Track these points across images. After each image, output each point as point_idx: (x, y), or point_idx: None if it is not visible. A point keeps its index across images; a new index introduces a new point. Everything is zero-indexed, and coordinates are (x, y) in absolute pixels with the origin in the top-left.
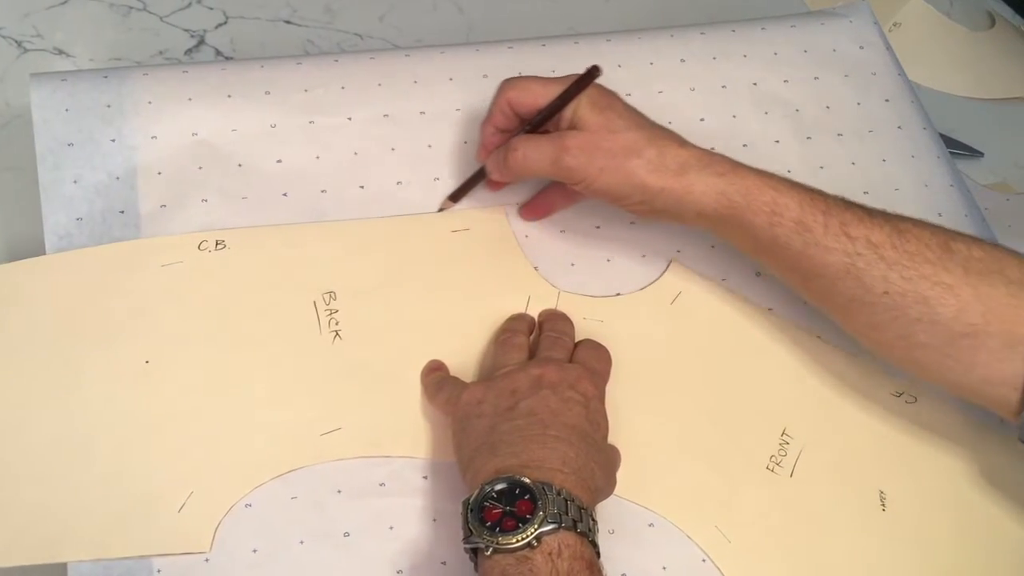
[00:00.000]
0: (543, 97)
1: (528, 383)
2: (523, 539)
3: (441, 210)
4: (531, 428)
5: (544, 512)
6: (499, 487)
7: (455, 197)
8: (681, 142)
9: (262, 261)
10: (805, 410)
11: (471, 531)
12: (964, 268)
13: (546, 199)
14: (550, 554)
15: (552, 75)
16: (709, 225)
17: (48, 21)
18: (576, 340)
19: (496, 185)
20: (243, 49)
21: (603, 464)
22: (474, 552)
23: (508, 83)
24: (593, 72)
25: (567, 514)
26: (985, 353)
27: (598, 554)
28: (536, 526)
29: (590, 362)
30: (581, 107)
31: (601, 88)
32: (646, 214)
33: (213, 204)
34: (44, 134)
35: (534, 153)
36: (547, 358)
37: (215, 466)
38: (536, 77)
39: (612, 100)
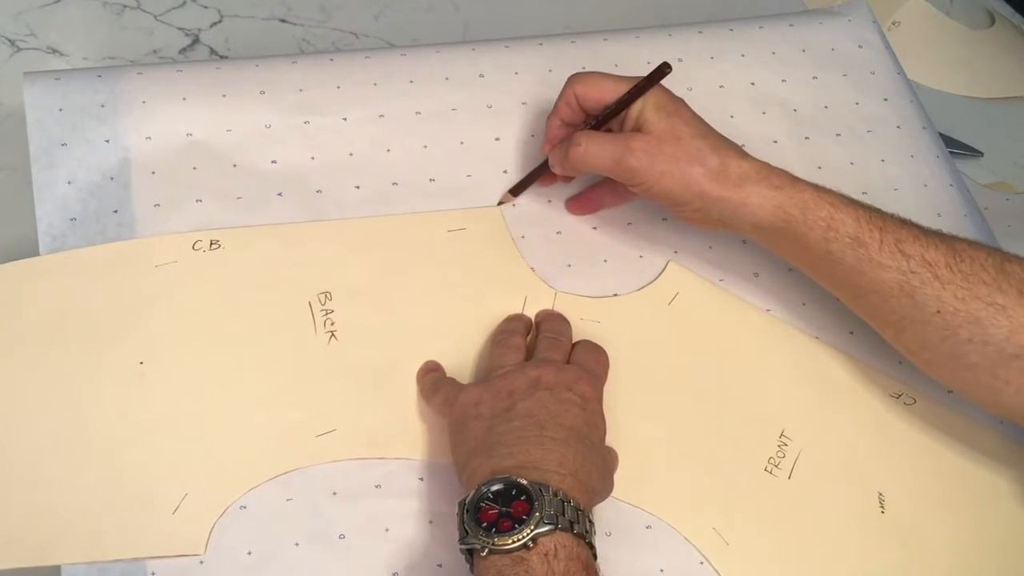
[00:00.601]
0: (611, 93)
1: (525, 384)
2: (519, 540)
3: (501, 203)
4: (528, 429)
5: (540, 513)
6: (495, 488)
7: (516, 191)
8: (743, 154)
9: (257, 261)
10: (803, 411)
11: (467, 532)
12: (1019, 290)
13: (596, 195)
14: (546, 555)
15: (549, 74)
16: (764, 237)
17: (41, 20)
18: (573, 341)
19: (552, 179)
20: (238, 48)
21: (600, 466)
22: (470, 553)
23: (576, 77)
24: (663, 69)
25: (563, 515)
26: None
27: (595, 556)
28: (532, 527)
29: (588, 363)
30: (648, 109)
31: (669, 92)
32: (701, 223)
33: (207, 204)
34: (38, 134)
35: (597, 149)
36: (544, 359)
37: (210, 468)
38: (605, 73)
39: (679, 106)
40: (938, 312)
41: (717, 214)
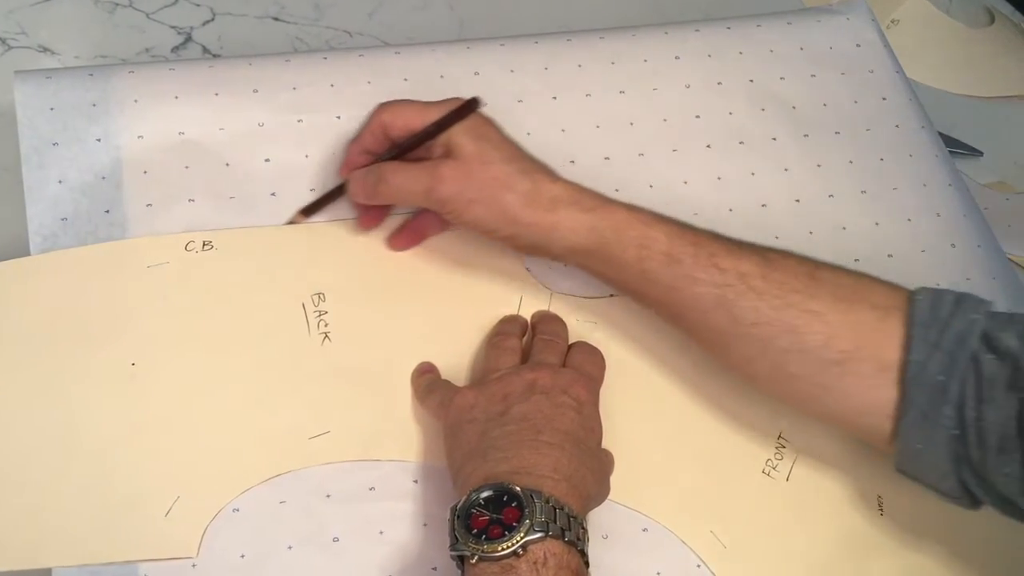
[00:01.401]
0: (418, 122)
1: (521, 388)
2: (509, 547)
3: (291, 223)
4: (523, 433)
5: (531, 520)
6: (486, 494)
7: (308, 211)
8: (553, 177)
9: (250, 262)
10: (802, 413)
11: (457, 538)
12: (832, 295)
13: (418, 227)
14: (535, 563)
15: (545, 72)
16: (579, 260)
17: (33, 18)
18: (570, 342)
19: (367, 217)
20: (231, 47)
21: (596, 470)
22: (460, 560)
23: (384, 106)
24: (472, 104)
25: (555, 522)
26: (856, 380)
27: (587, 563)
28: (522, 534)
29: (584, 366)
30: (456, 134)
31: (479, 116)
32: (516, 248)
33: (200, 204)
34: (28, 133)
35: (407, 183)
36: (540, 362)
37: (202, 470)
38: (413, 101)
39: (488, 129)
40: (756, 323)
41: (530, 239)
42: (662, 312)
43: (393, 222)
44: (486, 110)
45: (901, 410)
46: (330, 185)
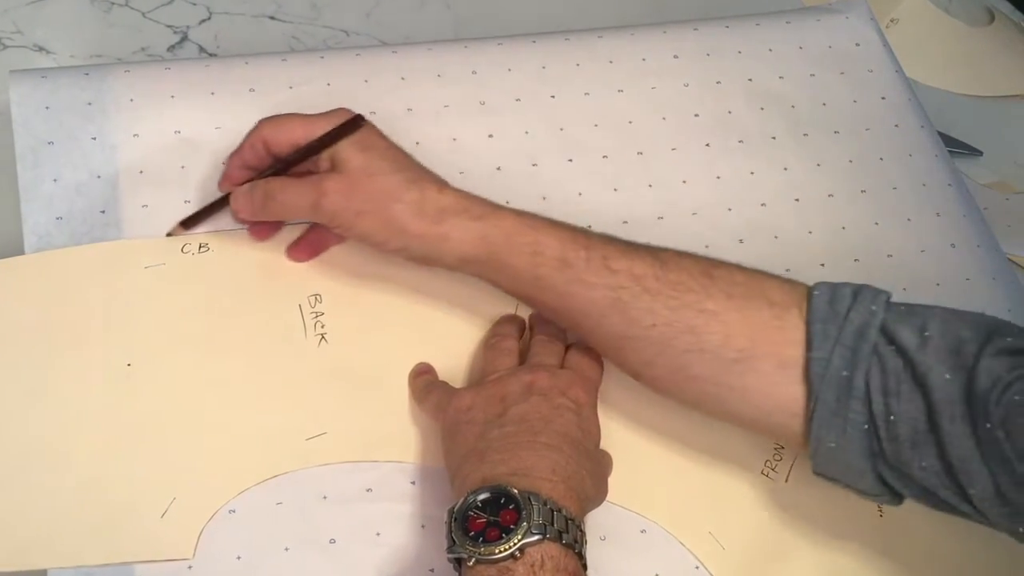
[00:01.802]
0: (302, 136)
1: (519, 389)
2: (506, 550)
3: (170, 235)
4: (521, 435)
5: (528, 523)
6: (483, 497)
7: (188, 223)
8: (441, 186)
9: (246, 263)
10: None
11: (454, 541)
12: (727, 293)
13: (315, 239)
14: (532, 565)
15: (543, 71)
16: (472, 269)
17: (28, 17)
18: (568, 343)
19: (258, 230)
20: (227, 46)
21: (594, 472)
22: (458, 562)
23: (265, 121)
24: (357, 120)
25: (552, 525)
26: (757, 377)
27: (584, 566)
28: (519, 537)
29: (582, 368)
30: (342, 147)
31: (366, 126)
32: (407, 259)
33: (196, 204)
34: (24, 132)
35: (293, 198)
36: (538, 364)
37: (198, 471)
38: (297, 115)
39: (374, 139)
40: (653, 325)
41: (419, 250)
42: (559, 319)
43: (291, 230)
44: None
45: (810, 408)
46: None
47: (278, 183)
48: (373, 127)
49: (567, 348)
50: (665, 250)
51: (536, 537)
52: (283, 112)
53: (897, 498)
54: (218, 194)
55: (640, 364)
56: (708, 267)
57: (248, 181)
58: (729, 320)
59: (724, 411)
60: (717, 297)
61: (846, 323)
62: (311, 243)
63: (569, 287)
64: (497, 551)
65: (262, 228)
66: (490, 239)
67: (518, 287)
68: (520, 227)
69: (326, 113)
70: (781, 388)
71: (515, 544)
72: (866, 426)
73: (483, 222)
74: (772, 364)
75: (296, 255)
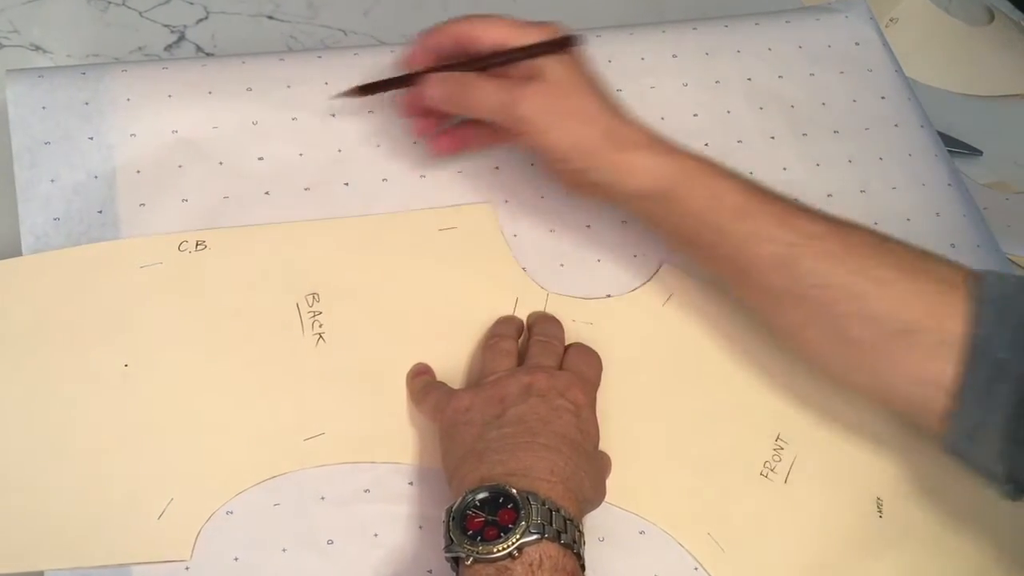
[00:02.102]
0: (512, 40)
1: (517, 390)
2: (504, 549)
3: (342, 96)
4: (519, 436)
5: (526, 522)
6: (481, 496)
7: (365, 90)
8: (633, 118)
9: (244, 262)
10: (800, 415)
11: (452, 540)
12: (898, 265)
13: (463, 134)
14: (531, 565)
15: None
16: (644, 205)
17: (25, 16)
18: (566, 343)
19: (440, 143)
20: (224, 45)
21: (593, 474)
22: (455, 561)
23: (472, 18)
24: (570, 40)
25: (551, 524)
26: (920, 350)
27: (583, 567)
28: (518, 536)
29: (580, 369)
30: (546, 60)
31: (574, 49)
32: (579, 186)
33: (194, 203)
34: (20, 132)
35: (488, 94)
36: (536, 365)
37: (195, 472)
38: (506, 18)
39: (579, 61)
40: (817, 285)
41: (598, 176)
42: (719, 267)
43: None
44: None
45: (959, 384)
46: (323, 183)
47: (475, 77)
48: (580, 52)
49: (565, 349)
50: (841, 218)
51: (534, 536)
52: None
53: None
54: (402, 70)
55: (796, 324)
56: (882, 239)
57: (433, 69)
58: (900, 290)
59: (870, 380)
60: (890, 266)
61: (1011, 308)
62: (456, 136)
63: (742, 237)
64: (495, 550)
65: (443, 139)
66: (672, 177)
67: (687, 229)
68: (702, 170)
69: (536, 24)
70: (936, 363)
71: (513, 543)
72: (1012, 411)
73: (668, 158)
74: (934, 338)
75: (439, 146)
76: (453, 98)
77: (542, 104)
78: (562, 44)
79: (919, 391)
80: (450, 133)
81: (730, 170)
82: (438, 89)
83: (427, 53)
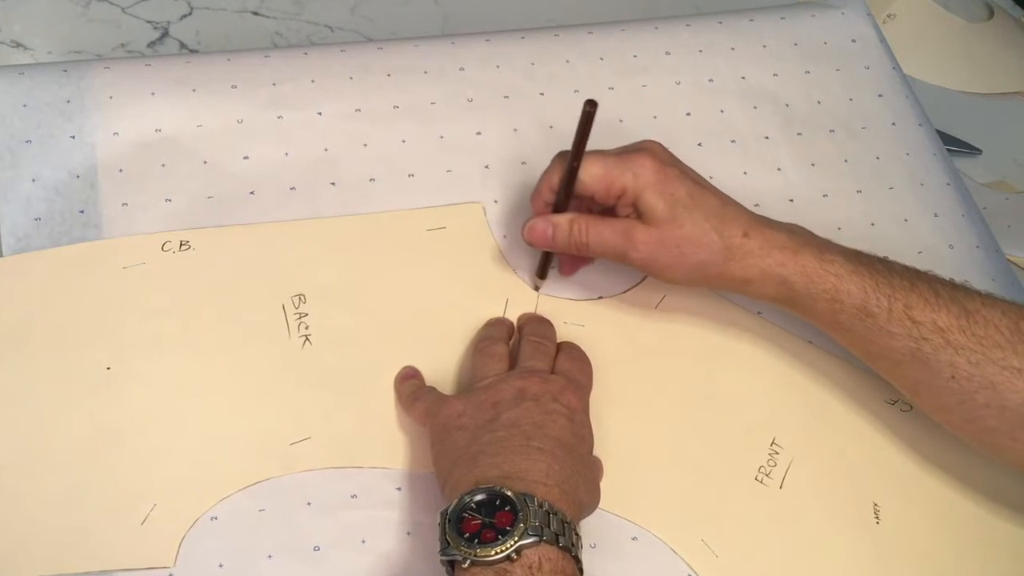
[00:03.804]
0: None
1: (510, 395)
2: (502, 551)
3: (537, 288)
4: (513, 439)
5: (525, 524)
6: (478, 498)
7: (542, 274)
8: (746, 228)
9: (228, 262)
10: (795, 419)
11: (448, 542)
12: None
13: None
14: (530, 567)
15: (531, 68)
16: (774, 306)
17: (5, 13)
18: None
19: (570, 268)
20: (209, 42)
21: (588, 478)
22: (451, 565)
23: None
24: (588, 111)
25: (549, 527)
26: None
27: (581, 570)
28: (516, 538)
29: (573, 373)
30: (646, 196)
31: (660, 166)
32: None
33: (177, 203)
34: (1, 130)
35: (605, 245)
36: (529, 369)
37: (179, 477)
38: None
39: (675, 185)
40: (952, 378)
41: (722, 291)
42: (856, 355)
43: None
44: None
45: None
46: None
47: (593, 224)
48: (670, 163)
49: (558, 351)
50: (971, 297)
51: (533, 539)
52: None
53: None
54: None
55: (933, 408)
56: (1017, 319)
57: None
58: None
59: (1012, 459)
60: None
61: None
62: (578, 260)
63: (868, 334)
64: (493, 553)
65: (566, 265)
66: (790, 284)
67: (816, 324)
68: (821, 274)
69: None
70: None
71: (511, 546)
72: None
73: (784, 268)
74: None
75: (568, 271)
76: (573, 244)
77: (653, 248)
78: (585, 120)
79: None
80: (572, 259)
81: (851, 263)
82: (561, 234)
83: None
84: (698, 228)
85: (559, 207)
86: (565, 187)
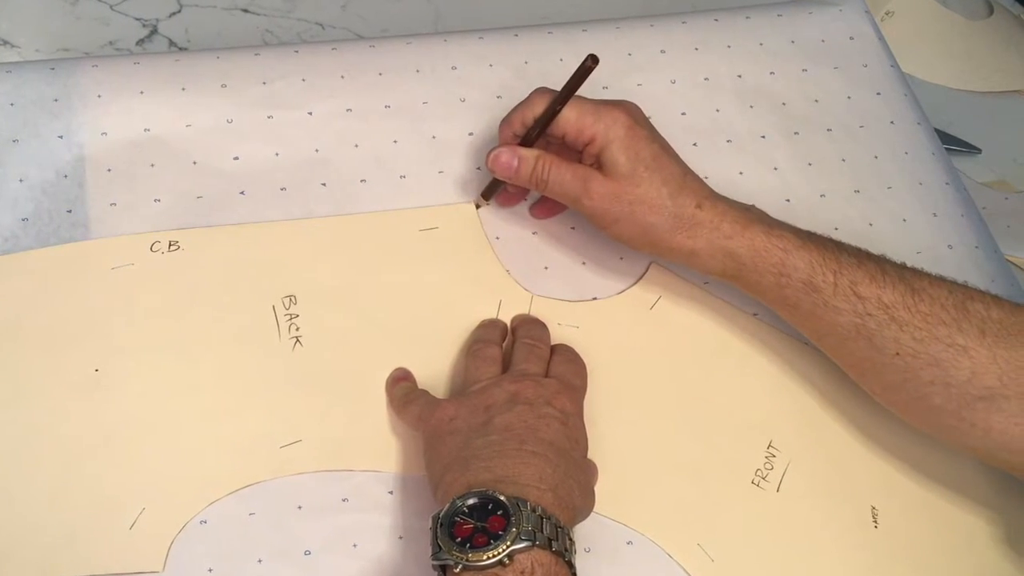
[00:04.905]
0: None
1: (504, 398)
2: (494, 556)
3: (478, 207)
4: (507, 443)
5: (517, 529)
6: (471, 502)
7: (487, 194)
8: (698, 198)
9: (218, 263)
10: (792, 421)
11: (440, 547)
12: (980, 329)
13: (551, 204)
14: (522, 572)
15: (525, 67)
16: (719, 279)
17: None
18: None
19: (541, 211)
20: (198, 39)
21: (582, 483)
22: (443, 569)
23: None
24: (587, 64)
25: (542, 531)
26: (1002, 417)
27: (574, 575)
28: (509, 543)
29: (567, 376)
30: (611, 149)
31: (632, 124)
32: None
33: (166, 203)
34: None
35: (561, 186)
36: (523, 372)
37: (168, 480)
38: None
39: (641, 144)
40: (897, 354)
41: (669, 260)
42: (803, 333)
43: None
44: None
45: None
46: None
47: (555, 164)
48: (641, 122)
49: (552, 353)
50: (918, 276)
51: (525, 544)
52: None
53: None
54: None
55: (881, 388)
56: (963, 299)
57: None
58: (979, 357)
59: (962, 444)
60: (969, 332)
61: None
62: (550, 205)
63: (815, 309)
64: (485, 557)
65: (538, 208)
66: (737, 257)
67: (764, 300)
68: (768, 247)
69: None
70: (1021, 427)
71: (504, 550)
72: None
73: (732, 241)
74: (1018, 405)
75: (536, 213)
76: (534, 180)
77: (606, 199)
78: (582, 72)
79: (1009, 456)
80: (543, 202)
81: (799, 239)
82: (525, 167)
83: (509, 128)
84: (654, 190)
85: (527, 142)
86: (541, 125)
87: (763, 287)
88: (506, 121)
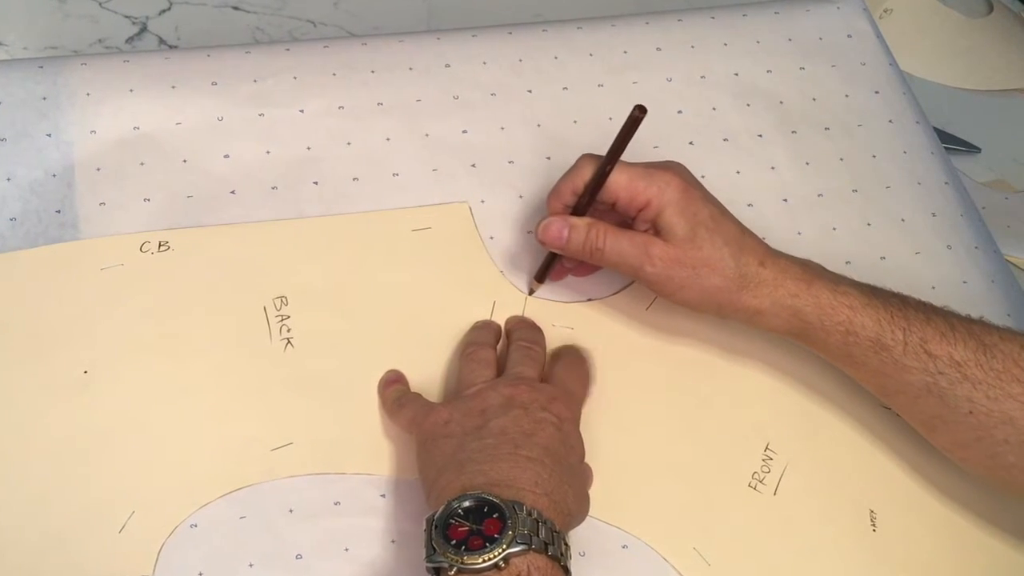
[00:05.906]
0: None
1: (499, 402)
2: (490, 559)
3: (531, 292)
4: (501, 447)
5: (513, 532)
6: (466, 504)
7: (541, 277)
8: (762, 258)
9: (208, 264)
10: (790, 424)
11: (434, 549)
12: None
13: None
14: None
15: (519, 64)
16: (787, 337)
17: None
18: (548, 349)
19: (582, 271)
20: (188, 37)
21: (577, 488)
22: (436, 572)
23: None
24: (636, 115)
25: (538, 535)
26: None
27: None
28: (504, 546)
29: (566, 382)
30: (668, 212)
31: (685, 186)
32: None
33: (156, 203)
34: None
35: (621, 257)
36: (518, 376)
37: (158, 484)
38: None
39: (698, 207)
40: (970, 413)
41: (733, 320)
42: (870, 389)
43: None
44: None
45: None
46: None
47: (610, 233)
48: (694, 186)
49: (554, 359)
50: (989, 331)
51: (521, 547)
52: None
53: None
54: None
55: (953, 445)
56: None
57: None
58: None
59: None
60: None
61: None
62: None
63: (883, 367)
64: (481, 560)
65: (582, 266)
66: (803, 315)
67: (828, 358)
68: (834, 305)
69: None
70: None
71: (499, 553)
72: None
73: (798, 299)
74: None
75: (578, 273)
76: (587, 249)
77: (668, 265)
78: (631, 125)
79: None
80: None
81: (865, 296)
82: (577, 237)
83: (562, 207)
84: (716, 252)
85: (578, 211)
86: (591, 190)
87: (830, 346)
88: (555, 192)
